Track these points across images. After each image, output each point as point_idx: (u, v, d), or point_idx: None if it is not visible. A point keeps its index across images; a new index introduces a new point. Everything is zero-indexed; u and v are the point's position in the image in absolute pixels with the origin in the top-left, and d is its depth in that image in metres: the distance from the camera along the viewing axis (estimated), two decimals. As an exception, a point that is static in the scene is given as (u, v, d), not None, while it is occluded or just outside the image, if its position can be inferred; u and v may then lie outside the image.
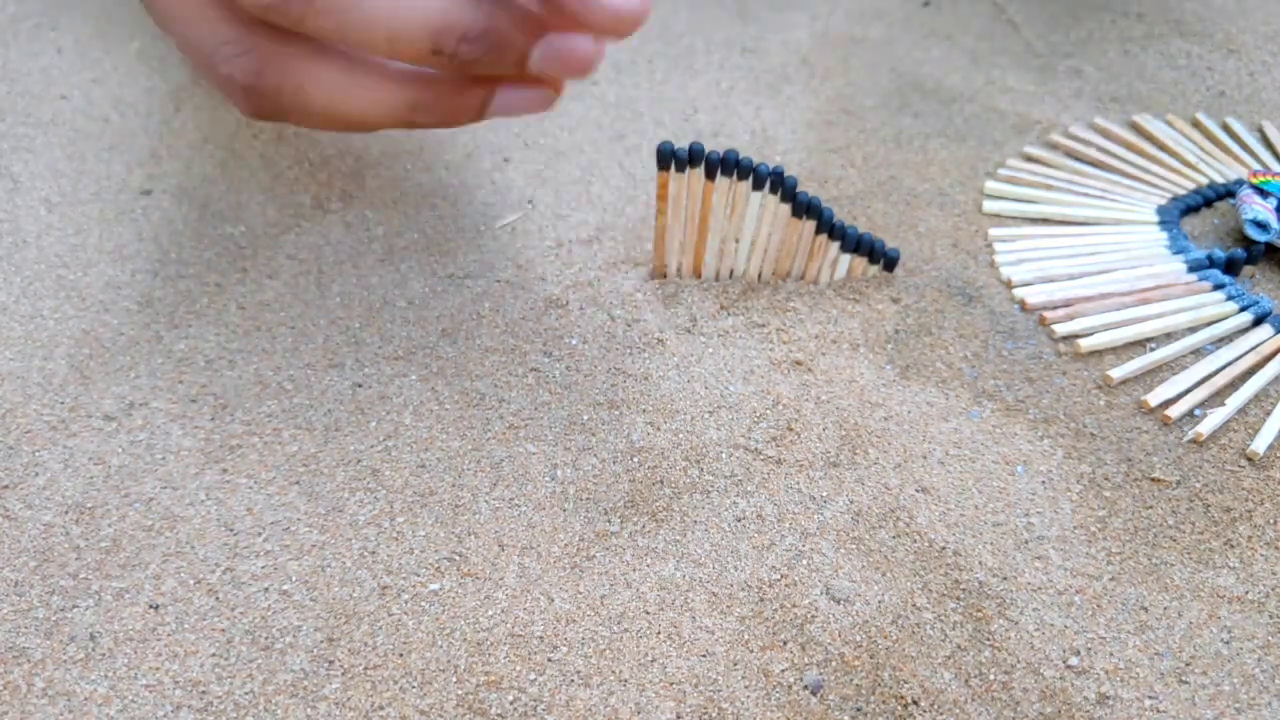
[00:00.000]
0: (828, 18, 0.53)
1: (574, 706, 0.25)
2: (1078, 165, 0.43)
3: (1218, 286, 0.37)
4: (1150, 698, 0.25)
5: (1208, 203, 0.42)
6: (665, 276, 0.37)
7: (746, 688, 0.25)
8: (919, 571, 0.28)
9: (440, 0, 0.27)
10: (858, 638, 0.26)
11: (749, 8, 0.53)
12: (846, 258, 0.37)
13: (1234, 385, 0.34)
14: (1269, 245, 0.39)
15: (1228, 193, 0.42)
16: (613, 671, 0.25)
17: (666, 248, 0.36)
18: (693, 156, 0.33)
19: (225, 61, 0.29)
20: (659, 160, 0.33)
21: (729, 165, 0.33)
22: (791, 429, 0.32)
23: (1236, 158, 0.44)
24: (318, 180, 0.40)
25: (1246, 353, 0.35)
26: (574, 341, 0.34)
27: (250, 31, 0.29)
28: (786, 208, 0.35)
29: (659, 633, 0.26)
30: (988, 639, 0.27)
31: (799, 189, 0.34)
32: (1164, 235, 0.39)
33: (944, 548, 0.29)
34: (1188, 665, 0.26)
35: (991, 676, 0.26)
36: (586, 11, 0.27)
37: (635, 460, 0.30)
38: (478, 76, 0.30)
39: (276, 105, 0.30)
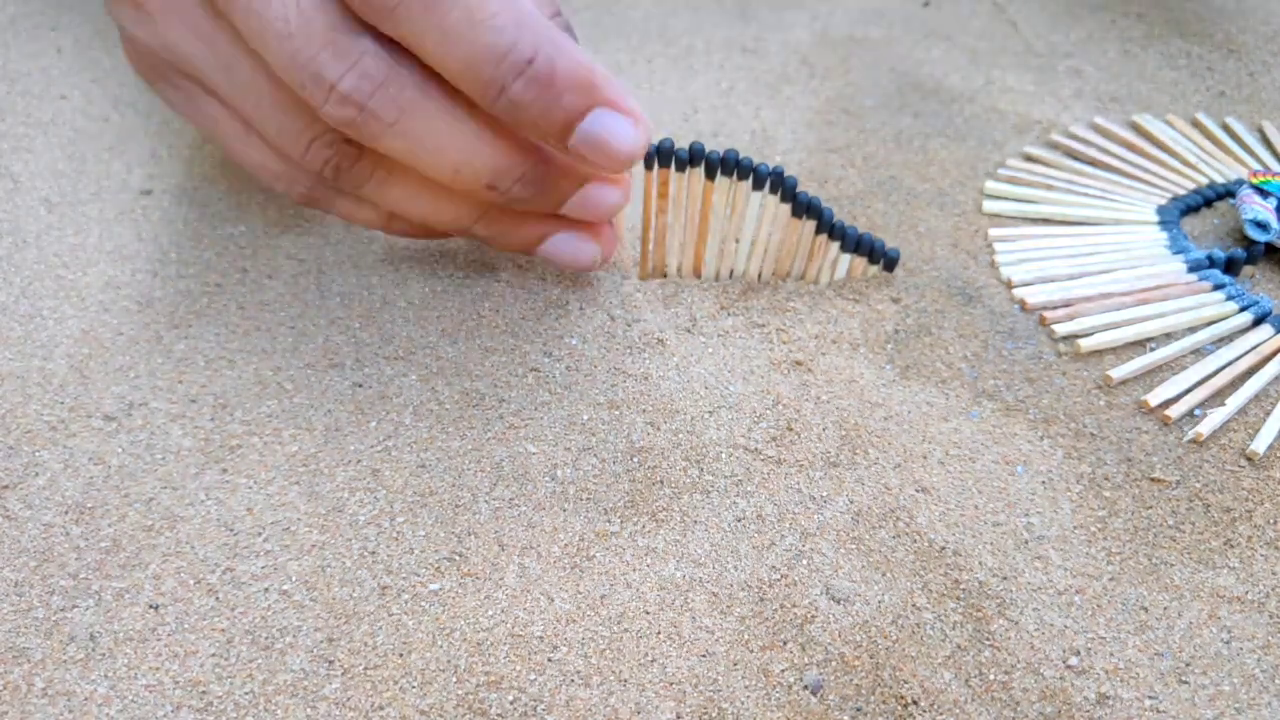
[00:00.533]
0: (828, 18, 0.53)
1: (574, 706, 0.25)
2: (1078, 165, 0.43)
3: (1218, 286, 0.37)
4: (1150, 698, 0.25)
5: (1208, 203, 0.42)
6: (648, 278, 0.37)
7: (746, 688, 0.25)
8: (919, 571, 0.28)
9: (503, 145, 0.29)
10: (858, 638, 0.26)
11: (749, 8, 0.53)
12: (846, 258, 0.37)
13: (1234, 385, 0.34)
14: (1269, 245, 0.39)
15: (1228, 193, 0.42)
16: (613, 671, 0.25)
17: (666, 248, 0.36)
18: (693, 156, 0.33)
19: (324, 149, 0.29)
20: (645, 161, 0.33)
21: (729, 165, 0.33)
22: (791, 429, 0.32)
23: (1236, 158, 0.44)
24: (318, 180, 0.40)
25: (1246, 353, 0.35)
26: (574, 341, 0.34)
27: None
28: (786, 208, 0.35)
29: (659, 633, 0.26)
30: (988, 639, 0.27)
31: (799, 189, 0.34)
32: (1164, 235, 0.39)
33: (944, 548, 0.29)
34: (1188, 665, 0.26)
35: (991, 676, 0.26)
36: (599, 161, 0.29)
37: (635, 460, 0.30)
38: (543, 213, 0.32)
39: (353, 185, 0.30)
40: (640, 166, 0.33)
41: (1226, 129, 0.46)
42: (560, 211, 0.32)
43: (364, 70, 0.27)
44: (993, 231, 0.40)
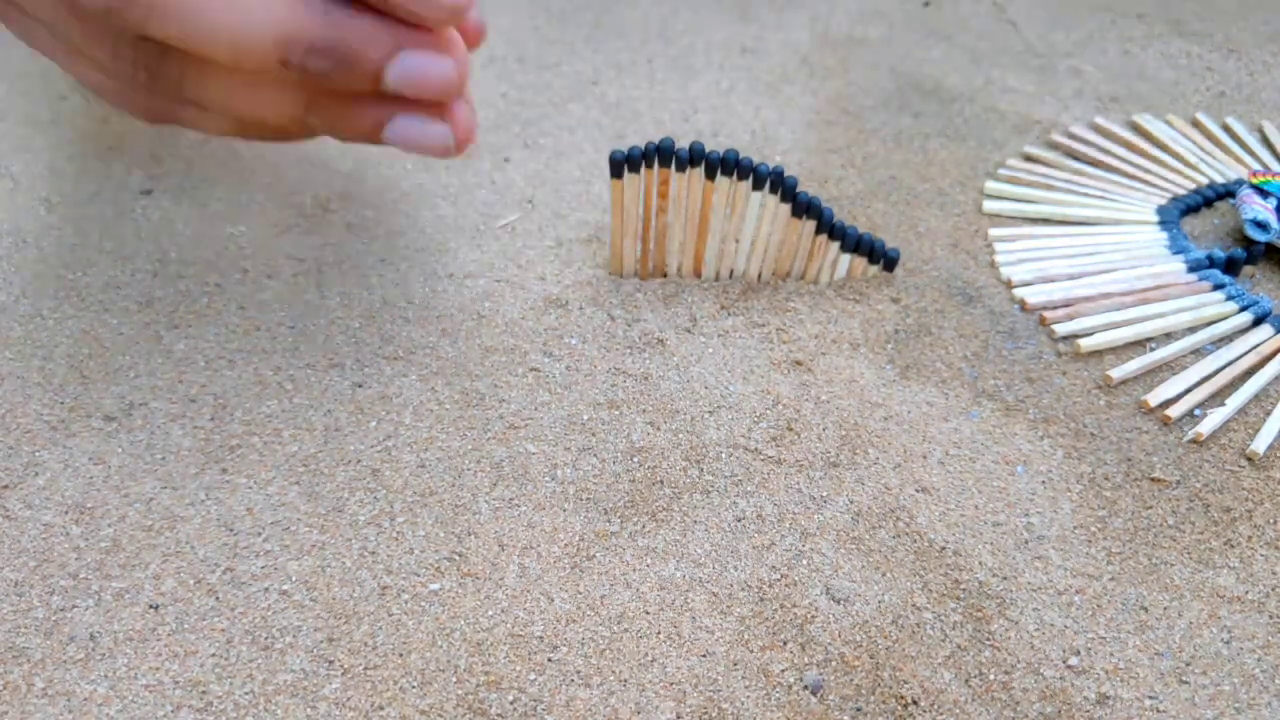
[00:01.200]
0: (828, 18, 0.53)
1: (574, 706, 0.25)
2: (1078, 165, 0.43)
3: (1218, 286, 0.37)
4: (1150, 698, 0.25)
5: (1208, 203, 0.42)
6: (648, 278, 0.37)
7: (746, 688, 0.25)
8: (919, 571, 0.28)
9: (286, 10, 0.27)
10: (858, 638, 0.26)
11: (749, 8, 0.53)
12: (846, 258, 0.37)
13: (1234, 385, 0.34)
14: (1269, 245, 0.39)
15: (1228, 193, 0.42)
16: (613, 671, 0.25)
17: (666, 248, 0.36)
18: (693, 156, 0.33)
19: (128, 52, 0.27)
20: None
21: (729, 165, 0.33)
22: (791, 429, 0.32)
23: (1236, 158, 0.44)
24: (318, 180, 0.40)
25: (1246, 353, 0.35)
26: (574, 341, 0.34)
27: None
28: (786, 208, 0.35)
29: (659, 633, 0.26)
30: (988, 639, 0.27)
31: (799, 189, 0.34)
32: (1164, 235, 0.39)
33: (944, 548, 0.29)
34: (1188, 665, 0.26)
35: (991, 676, 0.26)
36: (425, 11, 0.27)
37: (635, 460, 0.30)
38: (375, 94, 0.29)
39: (178, 97, 0.28)
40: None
41: (1226, 129, 0.46)
42: (384, 89, 0.28)
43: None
44: (993, 231, 0.40)
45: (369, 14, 0.28)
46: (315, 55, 0.27)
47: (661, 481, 0.30)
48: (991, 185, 0.42)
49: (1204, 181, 0.43)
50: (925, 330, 0.35)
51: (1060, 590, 0.28)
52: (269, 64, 0.27)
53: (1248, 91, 0.48)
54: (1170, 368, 0.34)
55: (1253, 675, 0.26)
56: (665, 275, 0.37)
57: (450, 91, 0.29)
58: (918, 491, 0.30)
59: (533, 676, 0.25)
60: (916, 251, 0.39)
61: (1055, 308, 0.36)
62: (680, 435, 0.31)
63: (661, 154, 0.33)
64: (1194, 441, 0.32)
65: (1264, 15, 0.54)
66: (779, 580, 0.28)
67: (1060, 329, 0.35)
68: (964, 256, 0.39)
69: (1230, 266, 0.38)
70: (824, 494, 0.30)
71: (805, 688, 0.25)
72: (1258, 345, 0.35)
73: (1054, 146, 0.45)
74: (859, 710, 0.25)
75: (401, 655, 0.25)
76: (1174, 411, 0.33)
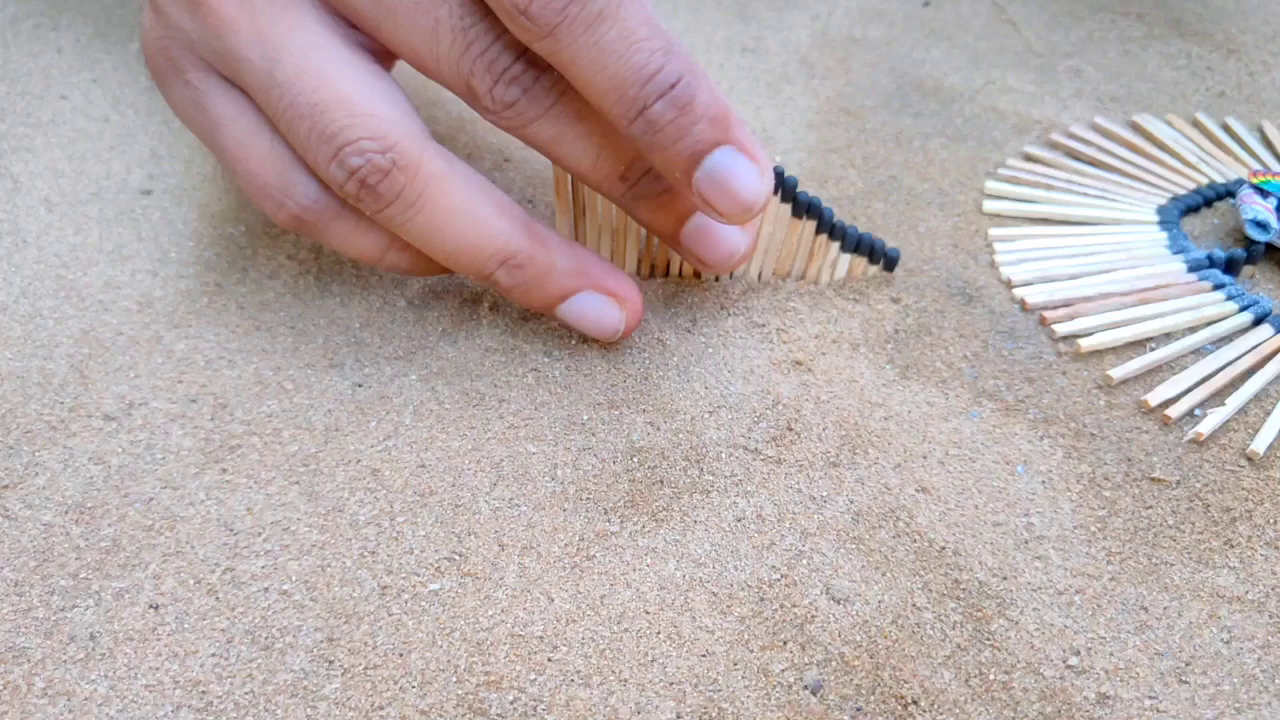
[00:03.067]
0: (828, 18, 0.53)
1: (574, 706, 0.25)
2: (1078, 165, 0.43)
3: (1218, 286, 0.37)
4: (1150, 698, 0.25)
5: (1208, 203, 0.42)
6: (648, 278, 0.37)
7: (746, 688, 0.25)
8: (919, 571, 0.28)
9: (511, 229, 0.31)
10: (858, 638, 0.26)
11: (749, 8, 0.53)
12: (846, 258, 0.37)
13: (1234, 385, 0.34)
14: (1269, 245, 0.39)
15: (1228, 193, 0.42)
16: (613, 671, 0.25)
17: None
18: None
19: (358, 154, 0.29)
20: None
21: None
22: (791, 429, 0.32)
23: (1236, 158, 0.44)
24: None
25: (1246, 353, 0.35)
26: (574, 341, 0.34)
27: (401, 131, 0.29)
28: (786, 208, 0.35)
29: (659, 633, 0.26)
30: (988, 639, 0.27)
31: (799, 189, 0.34)
32: (1164, 235, 0.39)
33: (944, 548, 0.29)
34: (1188, 665, 0.26)
35: (991, 676, 0.26)
36: (719, 203, 0.29)
37: (635, 460, 0.30)
38: (578, 266, 0.32)
39: (381, 205, 0.30)
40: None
41: (1226, 129, 0.46)
42: (682, 237, 0.32)
43: (532, 58, 0.29)
44: (993, 231, 0.40)
45: (568, 248, 0.32)
46: (506, 270, 0.31)
47: (661, 481, 0.30)
48: (991, 185, 0.42)
49: (1204, 181, 0.43)
50: (925, 330, 0.35)
51: (1060, 590, 0.28)
52: (615, 178, 0.31)
53: (1248, 91, 0.48)
54: (1170, 368, 0.34)
55: (1253, 675, 0.26)
56: (665, 275, 0.37)
57: (733, 263, 0.33)
58: (918, 491, 0.30)
59: (533, 676, 0.25)
60: (916, 251, 0.39)
61: (1055, 308, 0.36)
62: (680, 435, 0.31)
63: None
64: (1194, 441, 0.32)
65: (1264, 15, 0.54)
66: (779, 580, 0.28)
67: (1060, 329, 0.35)
68: (964, 256, 0.39)
69: (1230, 266, 0.38)
70: (824, 494, 0.30)
71: (805, 688, 0.25)
72: (1258, 345, 0.35)
73: (1054, 146, 0.45)
74: (859, 710, 0.25)
75: (401, 655, 0.26)
76: (1174, 411, 0.33)
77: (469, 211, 0.30)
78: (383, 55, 0.32)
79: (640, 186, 0.31)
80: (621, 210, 0.33)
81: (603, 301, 0.32)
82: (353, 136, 0.29)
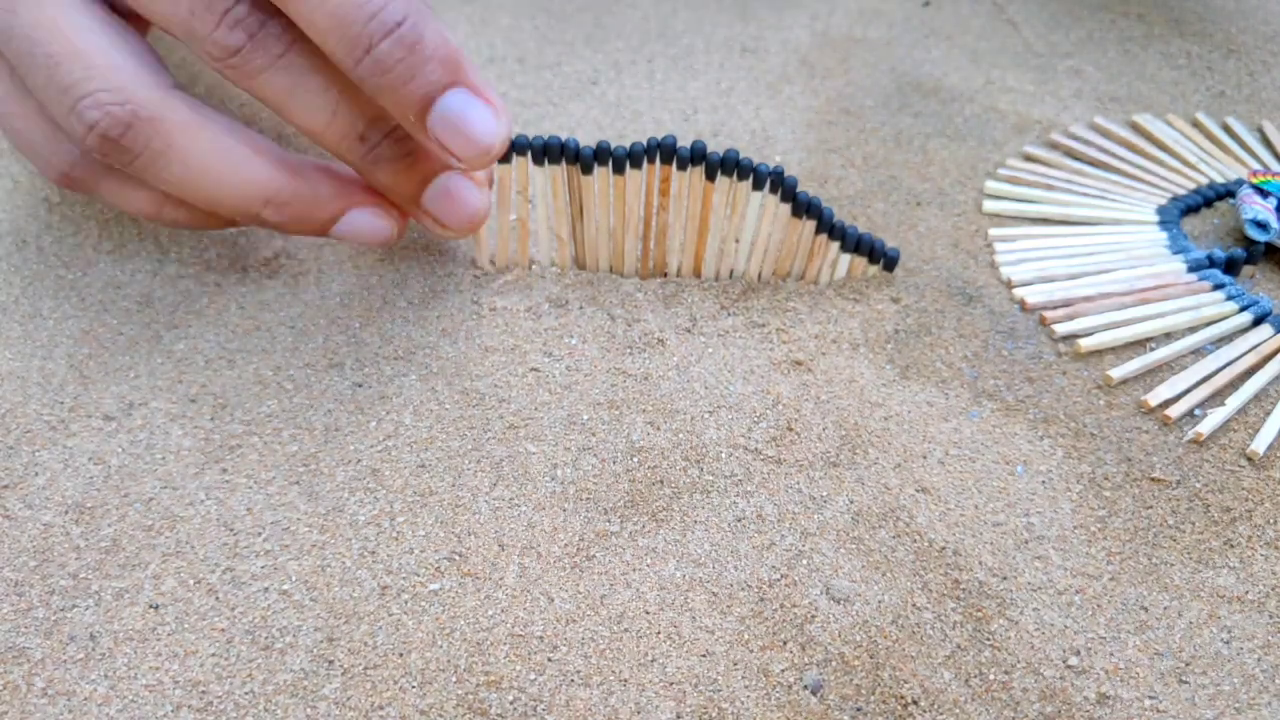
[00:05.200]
0: (828, 18, 0.53)
1: (574, 706, 0.25)
2: (1078, 165, 0.43)
3: (1218, 286, 0.37)
4: (1150, 698, 0.25)
5: (1208, 203, 0.42)
6: (648, 278, 0.37)
7: (746, 688, 0.25)
8: (919, 571, 0.28)
9: (269, 171, 0.30)
10: (858, 638, 0.26)
11: (749, 8, 0.53)
12: (846, 258, 0.37)
13: (1234, 385, 0.34)
14: (1269, 245, 0.39)
15: (1228, 193, 0.42)
16: (613, 671, 0.25)
17: (667, 248, 0.36)
18: (694, 155, 0.33)
19: (95, 107, 0.28)
20: (638, 159, 0.34)
21: (729, 165, 0.33)
22: (791, 429, 0.32)
23: (1236, 158, 0.44)
24: (318, 180, 0.40)
25: (1246, 353, 0.35)
26: (574, 341, 0.34)
27: (138, 83, 0.29)
28: (786, 208, 0.35)
29: (659, 633, 0.26)
30: (988, 639, 0.27)
31: (799, 189, 0.34)
32: (1164, 235, 0.39)
33: (944, 548, 0.29)
34: (1188, 665, 0.26)
35: (991, 676, 0.26)
36: (458, 148, 0.28)
37: (635, 460, 0.30)
38: (339, 189, 0.32)
39: (128, 159, 0.29)
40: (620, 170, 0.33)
41: (1226, 129, 0.46)
42: (423, 200, 0.32)
43: (260, 2, 0.28)
44: (993, 231, 0.40)
45: (326, 175, 0.32)
46: (272, 208, 0.31)
47: (661, 481, 0.30)
48: (991, 185, 0.42)
49: (1204, 181, 0.43)
50: (925, 330, 0.35)
51: (1060, 590, 0.28)
52: (352, 139, 0.30)
53: (1248, 91, 0.48)
54: (1170, 368, 0.34)
55: (1253, 675, 0.26)
56: (665, 275, 0.37)
57: (477, 222, 0.33)
58: (918, 491, 0.30)
59: (533, 676, 0.25)
60: (916, 251, 0.39)
61: (1055, 307, 0.36)
62: (680, 435, 0.31)
63: (663, 151, 0.33)
64: (1194, 441, 0.32)
65: (1264, 15, 0.54)
66: (779, 580, 0.28)
67: (1060, 329, 0.35)
68: (964, 256, 0.39)
69: (1230, 266, 0.38)
70: (824, 494, 0.30)
71: (805, 688, 0.25)
72: (1258, 345, 0.35)
73: (1054, 146, 0.45)
74: (859, 710, 0.25)
75: (401, 655, 0.26)
76: (1174, 411, 0.33)
77: (224, 156, 0.29)
78: (134, 18, 0.31)
79: (381, 149, 0.30)
80: (361, 174, 0.32)
81: (371, 214, 0.32)
82: (89, 89, 0.28)
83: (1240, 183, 0.42)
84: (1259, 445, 0.31)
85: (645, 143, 0.33)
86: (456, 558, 0.28)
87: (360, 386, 0.32)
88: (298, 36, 0.28)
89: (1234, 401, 0.33)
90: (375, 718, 0.24)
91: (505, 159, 0.34)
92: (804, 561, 0.28)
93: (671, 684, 0.25)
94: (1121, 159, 0.44)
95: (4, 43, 0.29)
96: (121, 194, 0.32)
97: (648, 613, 0.27)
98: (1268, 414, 0.33)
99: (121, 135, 0.28)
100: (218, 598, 0.27)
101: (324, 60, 0.29)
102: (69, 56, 0.28)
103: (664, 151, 0.33)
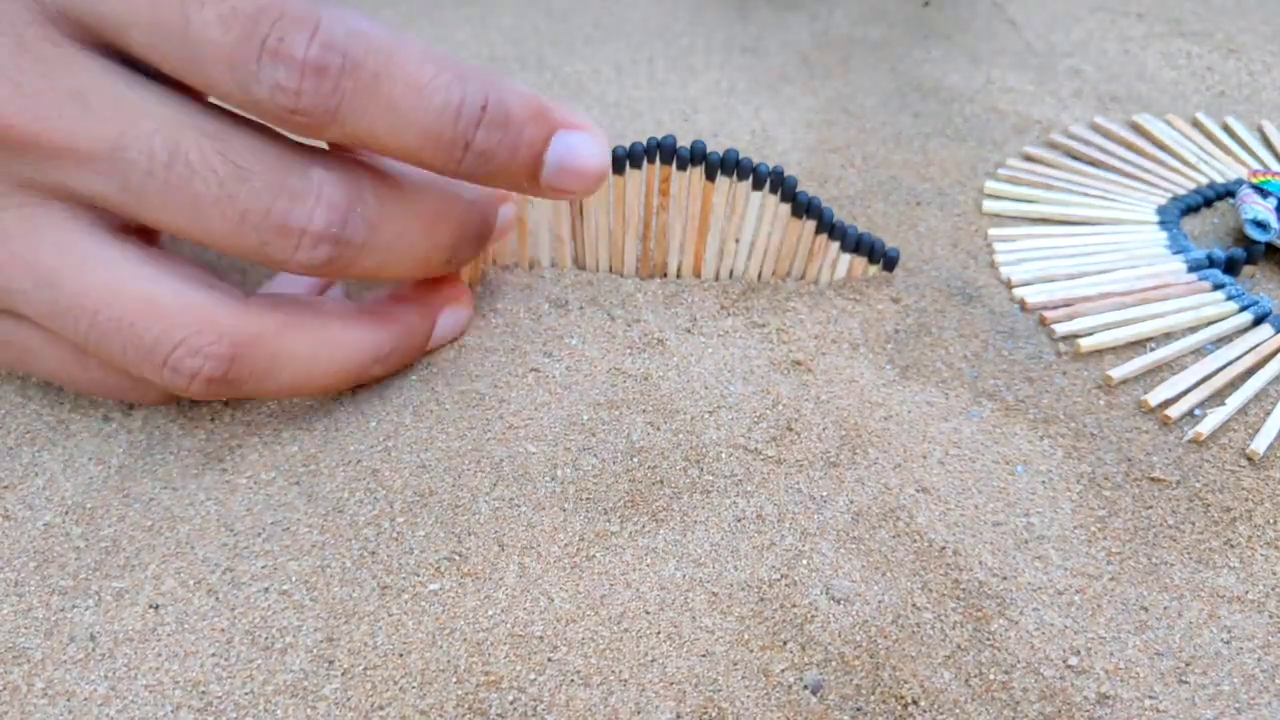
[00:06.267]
0: (828, 18, 0.53)
1: (574, 706, 0.25)
2: (1078, 165, 0.43)
3: (1218, 286, 0.37)
4: (1150, 698, 0.25)
5: (1208, 203, 0.42)
6: (648, 278, 0.37)
7: (746, 688, 0.25)
8: (919, 571, 0.28)
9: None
10: (858, 637, 0.26)
11: (749, 8, 0.53)
12: (846, 258, 0.37)
13: (1234, 385, 0.34)
14: (1269, 245, 0.39)
15: (1228, 193, 0.42)
16: (613, 671, 0.25)
17: (667, 248, 0.36)
18: (694, 155, 0.33)
19: (190, 356, 0.26)
20: (627, 163, 0.34)
21: (729, 165, 0.33)
22: (791, 429, 0.32)
23: (1236, 158, 0.44)
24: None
25: (1246, 353, 0.35)
26: (574, 341, 0.34)
27: (229, 314, 0.27)
28: (786, 208, 0.35)
29: (659, 633, 0.26)
30: (988, 639, 0.27)
31: (799, 189, 0.34)
32: (1164, 235, 0.39)
33: (944, 547, 0.29)
34: (1188, 665, 0.26)
35: (991, 676, 0.26)
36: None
37: (635, 460, 0.30)
38: (423, 310, 0.32)
39: (237, 389, 0.28)
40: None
41: (1226, 129, 0.46)
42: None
43: (329, 201, 0.26)
44: (993, 231, 0.40)
45: (408, 303, 0.32)
46: (380, 364, 0.31)
47: (661, 481, 0.30)
48: (991, 185, 0.42)
49: (1204, 181, 0.43)
50: (925, 330, 0.35)
51: (1060, 590, 0.28)
52: (445, 258, 0.30)
53: (1248, 91, 0.48)
54: (1170, 368, 0.34)
55: (1253, 675, 0.26)
56: (665, 275, 0.37)
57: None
58: (918, 491, 0.30)
59: (533, 676, 0.25)
60: (916, 251, 0.39)
61: (1055, 307, 0.36)
62: (680, 435, 0.31)
63: (663, 151, 0.33)
64: (1194, 441, 0.32)
65: (1264, 15, 0.54)
66: (779, 580, 0.28)
67: (1060, 329, 0.35)
68: (964, 256, 0.39)
69: (1230, 266, 0.38)
70: (824, 494, 0.30)
71: (805, 688, 0.25)
72: (1258, 345, 0.35)
73: (1054, 146, 0.45)
74: (859, 710, 0.25)
75: (401, 655, 0.26)
76: (1174, 411, 0.33)
77: (326, 343, 0.29)
78: (148, 232, 0.28)
79: (461, 253, 0.30)
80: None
81: (453, 311, 0.33)
82: (176, 338, 0.26)
83: (1240, 183, 0.42)
84: (1259, 445, 0.31)
85: (645, 143, 0.33)
86: (456, 558, 0.28)
87: (360, 386, 0.32)
88: (379, 197, 0.27)
89: (1234, 401, 0.33)
90: (375, 718, 0.24)
91: None
92: (804, 561, 0.28)
93: (671, 684, 0.25)
94: (1121, 159, 0.44)
95: (53, 317, 0.26)
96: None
97: (648, 613, 0.27)
98: (1268, 414, 0.33)
99: (227, 372, 0.27)
100: (218, 598, 0.27)
101: (396, 210, 0.27)
102: (139, 314, 0.26)
103: (664, 151, 0.33)
